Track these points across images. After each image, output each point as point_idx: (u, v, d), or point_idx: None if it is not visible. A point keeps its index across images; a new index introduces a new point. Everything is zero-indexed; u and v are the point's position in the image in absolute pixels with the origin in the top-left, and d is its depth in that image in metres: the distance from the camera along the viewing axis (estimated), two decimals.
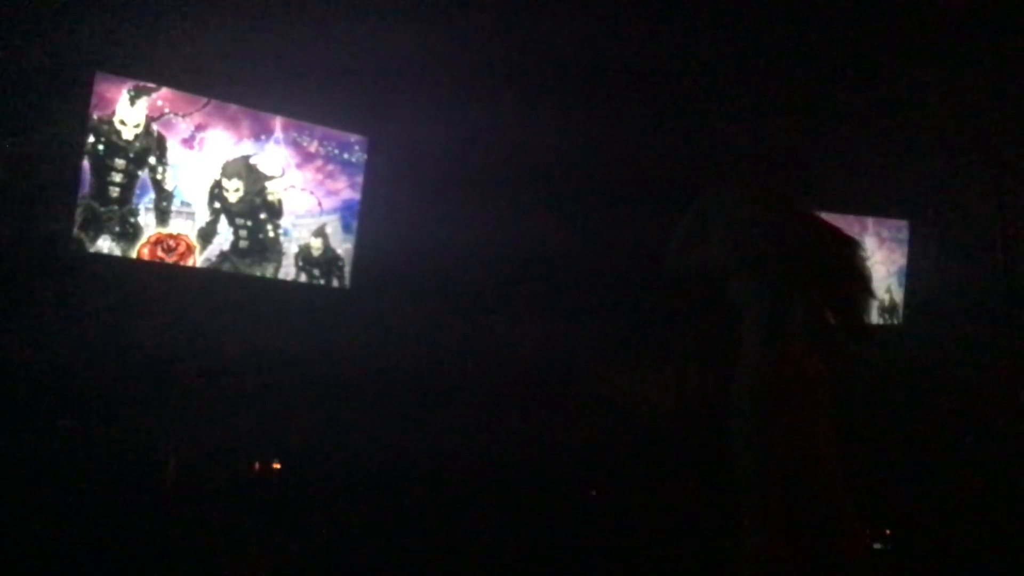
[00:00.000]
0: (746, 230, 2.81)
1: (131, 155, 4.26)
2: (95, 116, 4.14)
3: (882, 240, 6.18)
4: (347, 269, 5.00)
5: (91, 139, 4.13)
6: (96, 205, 4.16)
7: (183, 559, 3.26)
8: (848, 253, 2.82)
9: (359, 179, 5.03)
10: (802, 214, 2.91)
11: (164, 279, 4.37)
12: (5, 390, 3.73)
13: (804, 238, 2.78)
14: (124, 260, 4.22)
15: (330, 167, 4.95)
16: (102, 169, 4.18)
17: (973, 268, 5.56)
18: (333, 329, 4.80)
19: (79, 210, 4.10)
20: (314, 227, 4.90)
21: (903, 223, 6.25)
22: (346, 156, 5.00)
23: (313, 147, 4.89)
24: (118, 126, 4.21)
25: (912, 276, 6.18)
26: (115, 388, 4.01)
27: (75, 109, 4.08)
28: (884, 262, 6.14)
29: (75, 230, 4.08)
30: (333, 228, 4.97)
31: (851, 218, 6.06)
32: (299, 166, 4.83)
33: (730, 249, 2.84)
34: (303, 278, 4.85)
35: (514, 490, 4.41)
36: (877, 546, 3.59)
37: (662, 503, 4.30)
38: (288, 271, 4.80)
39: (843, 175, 5.69)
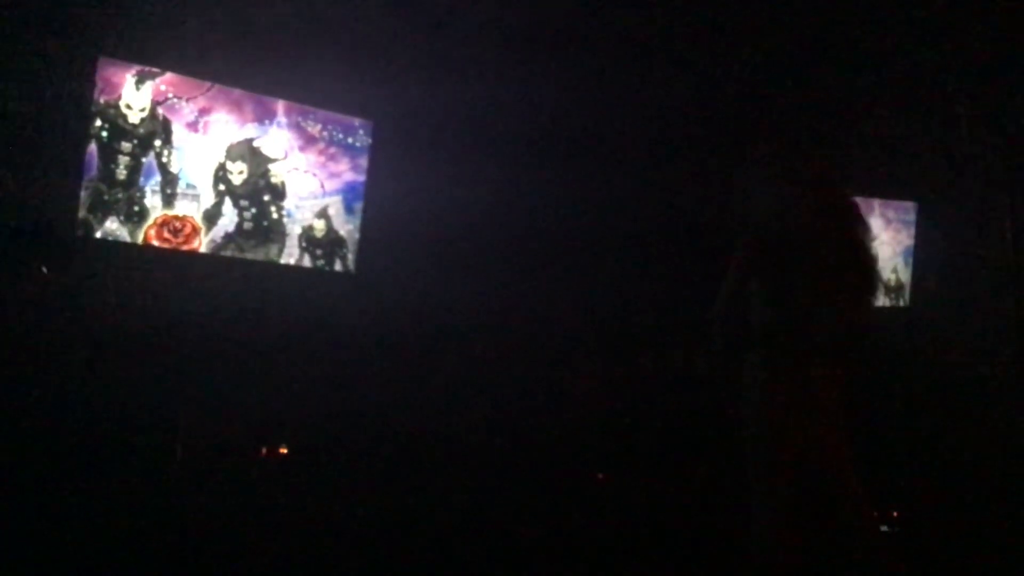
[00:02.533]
0: (760, 208, 2.79)
1: (137, 139, 4.30)
2: (101, 100, 4.17)
3: (888, 221, 6.14)
4: (351, 254, 5.00)
5: (97, 123, 4.16)
6: (103, 188, 4.19)
7: (190, 544, 3.27)
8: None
9: (361, 161, 5.04)
10: (844, 213, 2.84)
11: (170, 262, 4.37)
12: (10, 372, 3.74)
13: (821, 233, 2.72)
14: (131, 244, 4.23)
15: (332, 149, 4.96)
16: (109, 152, 4.21)
17: (981, 249, 5.54)
18: (339, 313, 4.81)
19: (86, 193, 4.14)
20: (317, 208, 4.93)
21: (911, 204, 6.20)
22: (350, 140, 5.01)
23: (315, 130, 4.89)
24: (124, 110, 4.25)
25: (919, 258, 6.15)
26: (121, 372, 4.02)
27: (81, 94, 4.09)
28: (890, 243, 6.10)
29: (83, 212, 4.12)
30: (335, 209, 4.99)
31: (858, 199, 6.02)
32: (302, 149, 4.86)
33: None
34: (307, 259, 4.88)
35: (520, 473, 4.42)
36: (884, 528, 3.59)
37: (671, 487, 4.31)
38: (292, 252, 4.81)
39: (850, 156, 5.66)
